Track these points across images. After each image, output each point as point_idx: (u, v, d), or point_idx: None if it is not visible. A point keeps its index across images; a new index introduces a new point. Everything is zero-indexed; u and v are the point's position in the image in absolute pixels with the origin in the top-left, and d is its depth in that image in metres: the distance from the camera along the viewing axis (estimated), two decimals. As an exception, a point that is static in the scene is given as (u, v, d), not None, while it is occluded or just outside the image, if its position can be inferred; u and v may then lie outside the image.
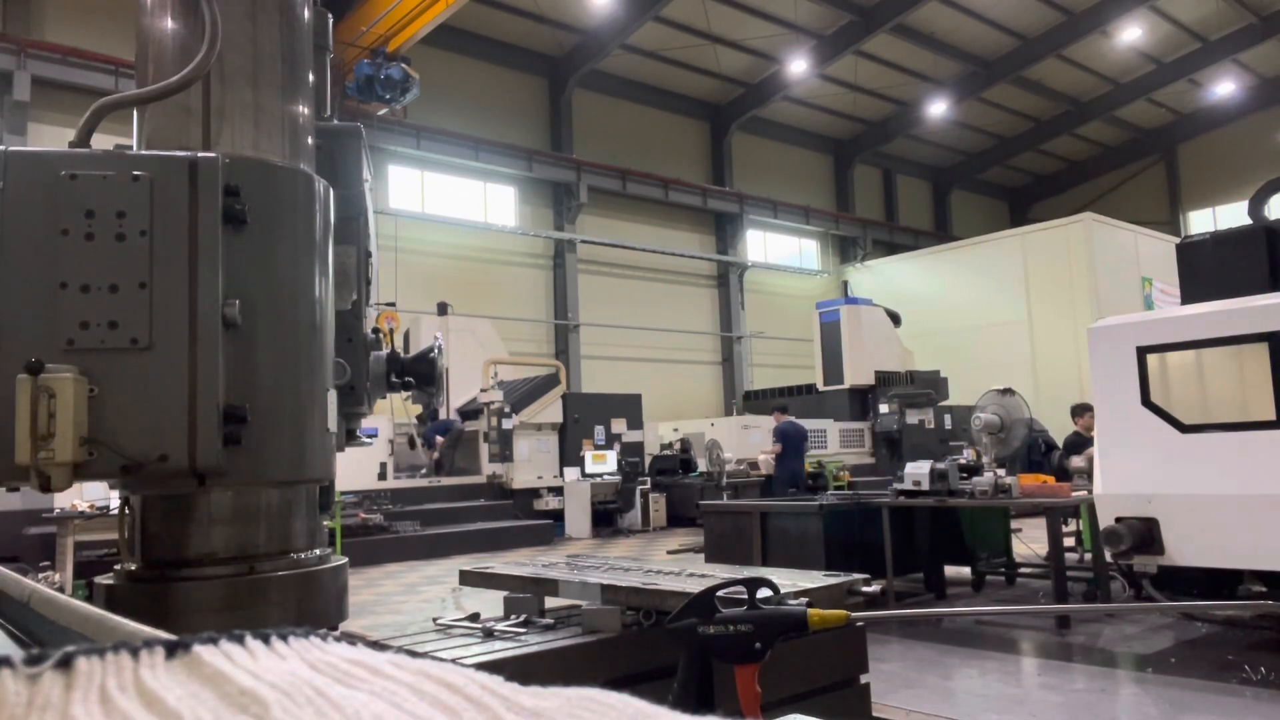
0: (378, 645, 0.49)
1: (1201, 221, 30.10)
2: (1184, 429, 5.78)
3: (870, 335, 20.29)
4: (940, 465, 7.54)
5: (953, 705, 4.90)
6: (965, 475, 7.51)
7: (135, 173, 2.08)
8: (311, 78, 2.67)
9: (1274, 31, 25.50)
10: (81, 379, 1.99)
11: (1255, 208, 6.94)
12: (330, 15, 3.00)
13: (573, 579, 3.46)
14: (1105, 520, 5.98)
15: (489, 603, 3.98)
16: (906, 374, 20.59)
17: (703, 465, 16.59)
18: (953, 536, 8.26)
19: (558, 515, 15.02)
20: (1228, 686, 4.97)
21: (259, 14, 2.46)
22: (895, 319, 21.21)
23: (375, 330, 3.01)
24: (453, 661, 0.42)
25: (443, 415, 15.81)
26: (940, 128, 28.31)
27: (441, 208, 20.60)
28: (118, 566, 2.46)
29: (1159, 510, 5.77)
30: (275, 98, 2.48)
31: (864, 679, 3.65)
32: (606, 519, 15.54)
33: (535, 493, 15.43)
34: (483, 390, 15.75)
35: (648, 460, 17.09)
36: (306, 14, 2.65)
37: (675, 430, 18.89)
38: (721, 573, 3.48)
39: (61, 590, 4.56)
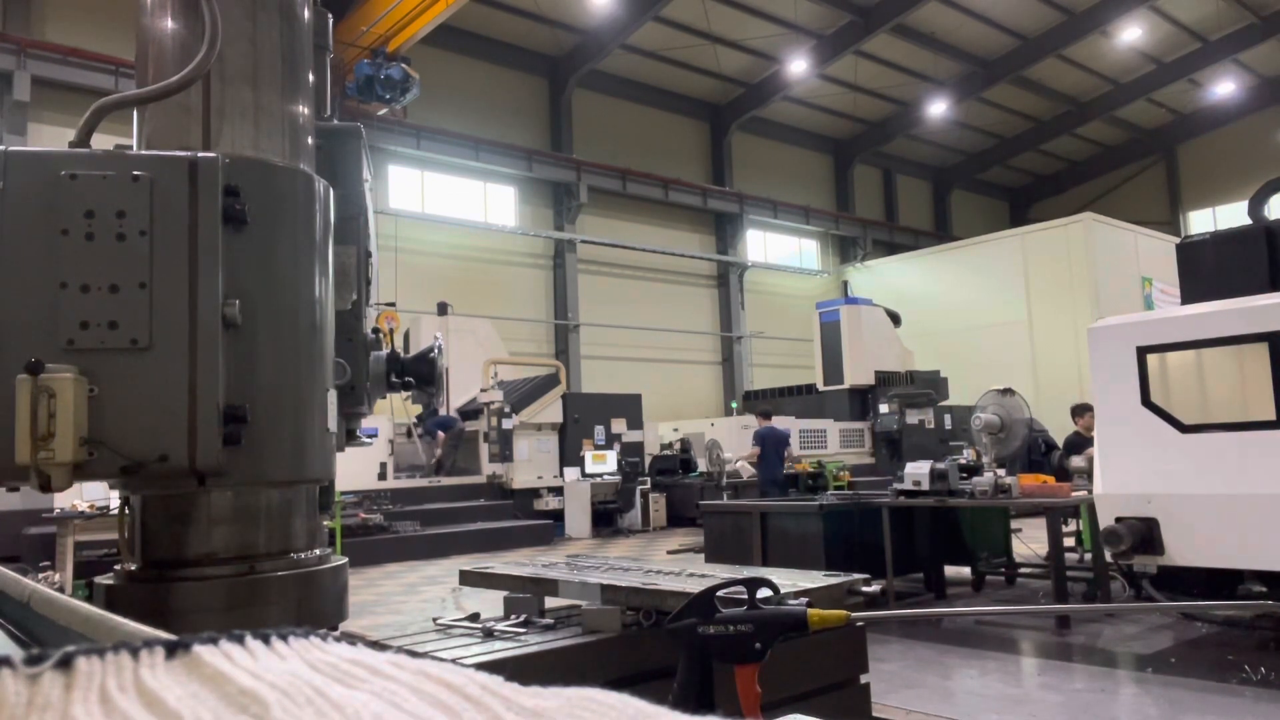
0: (378, 645, 0.49)
1: (1201, 221, 30.10)
2: (1184, 429, 5.78)
3: (870, 335, 20.29)
4: (940, 465, 7.54)
5: (953, 705, 4.90)
6: (965, 475, 7.51)
7: (135, 173, 2.08)
8: (311, 78, 2.67)
9: (1274, 31, 25.50)
10: (81, 379, 1.99)
11: (1255, 208, 6.94)
12: (330, 15, 3.00)
13: (573, 579, 3.46)
14: (1105, 520, 5.98)
15: (489, 603, 3.98)
16: (906, 374, 20.59)
17: (703, 465, 16.60)
18: (953, 536, 8.26)
19: (558, 515, 15.02)
20: (1228, 686, 4.97)
21: (259, 14, 2.46)
22: (895, 319, 21.21)
23: (375, 330, 3.01)
24: (453, 661, 0.42)
25: (443, 414, 15.81)
26: (940, 128, 28.31)
27: (441, 208, 20.60)
28: (118, 566, 2.46)
29: (1159, 510, 5.77)
30: (275, 98, 2.48)
31: (864, 679, 3.65)
32: (606, 519, 15.53)
33: (535, 493, 15.43)
34: (483, 390, 15.75)
35: (648, 460, 17.08)
36: (306, 14, 2.65)
37: (675, 430, 18.89)
38: (721, 573, 3.48)
39: (61, 590, 4.56)
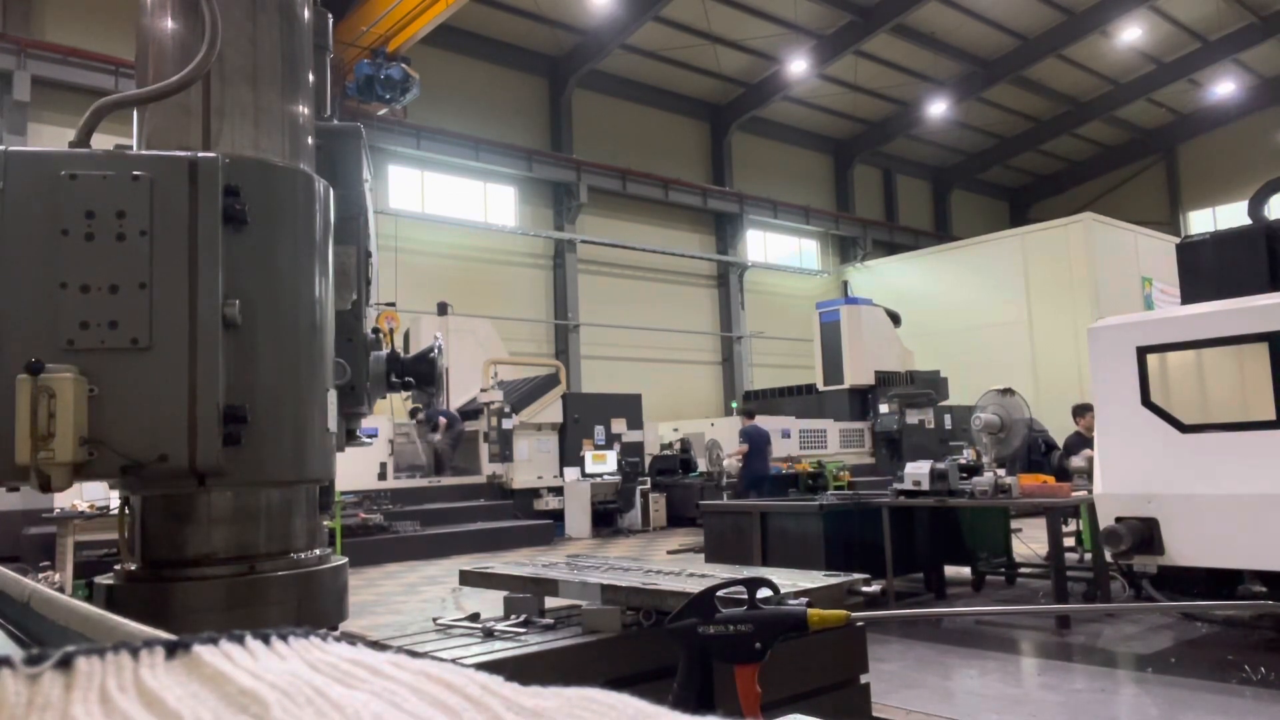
0: (378, 645, 0.49)
1: (1201, 221, 30.09)
2: (1184, 429, 5.78)
3: (870, 335, 20.29)
4: (940, 465, 7.53)
5: (953, 705, 4.90)
6: (965, 475, 7.50)
7: (135, 173, 2.08)
8: (311, 78, 2.67)
9: (1274, 31, 25.50)
10: (81, 379, 1.99)
11: (1255, 208, 6.94)
12: (330, 15, 3.00)
13: (573, 579, 3.46)
14: (1105, 520, 5.98)
15: (489, 603, 3.98)
16: (906, 374, 20.59)
17: (703, 465, 16.60)
18: (953, 536, 8.26)
19: (558, 515, 15.02)
20: (1228, 686, 4.97)
21: (259, 14, 2.46)
22: (895, 319, 21.21)
23: (375, 330, 3.01)
24: (453, 661, 0.42)
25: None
26: (940, 128, 28.31)
27: (441, 208, 20.60)
28: (118, 566, 2.46)
29: (1159, 510, 5.77)
30: (275, 98, 2.48)
31: (864, 679, 3.65)
32: (606, 519, 15.53)
33: (535, 493, 15.43)
34: (483, 390, 15.75)
35: (648, 460, 17.08)
36: (306, 14, 2.65)
37: (675, 430, 18.88)
38: (721, 573, 3.48)
39: (61, 590, 4.56)
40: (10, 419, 1.93)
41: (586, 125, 23.19)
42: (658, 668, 3.08)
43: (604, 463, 15.71)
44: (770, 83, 24.60)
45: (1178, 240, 7.38)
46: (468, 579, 3.96)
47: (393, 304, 15.15)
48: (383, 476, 14.24)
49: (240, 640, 0.40)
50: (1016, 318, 22.23)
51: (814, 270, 28.08)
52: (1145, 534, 5.76)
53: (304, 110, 2.59)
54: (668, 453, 17.89)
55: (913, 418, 19.07)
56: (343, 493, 11.73)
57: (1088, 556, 7.89)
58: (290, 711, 0.35)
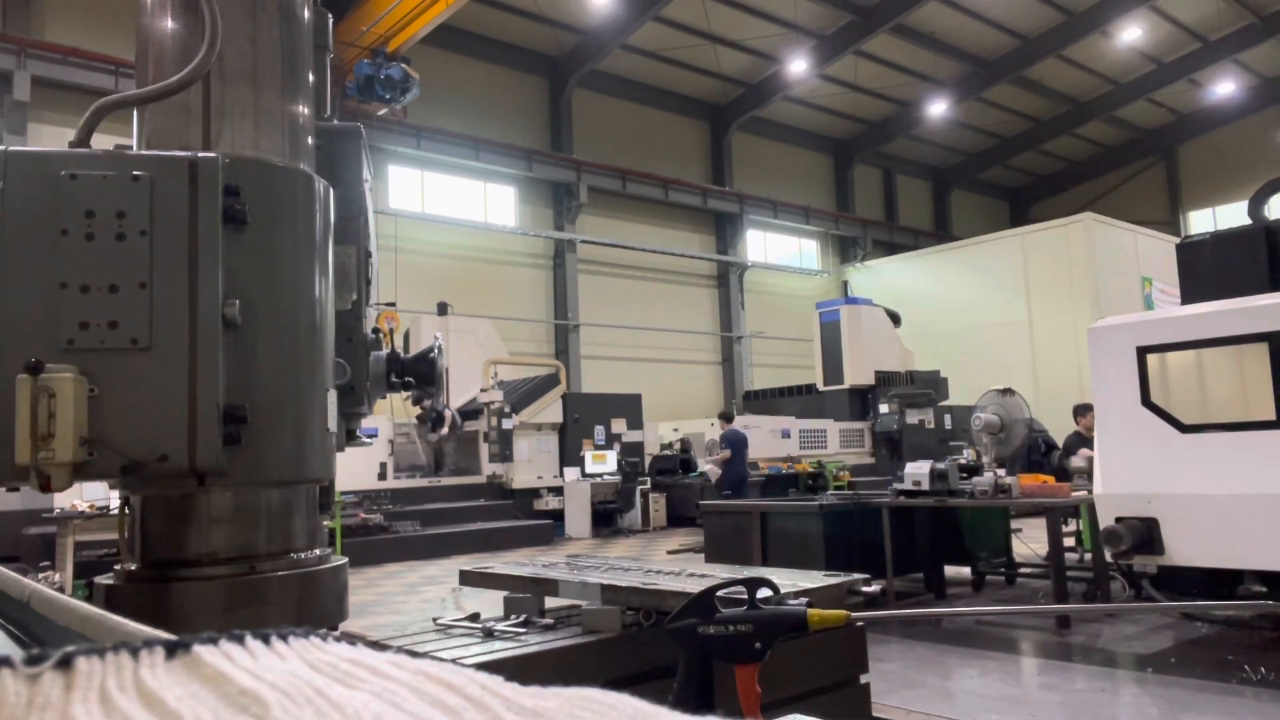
0: (378, 645, 0.49)
1: (1201, 221, 30.09)
2: (1184, 429, 5.78)
3: (870, 335, 20.29)
4: (940, 465, 7.53)
5: (953, 705, 4.90)
6: (965, 475, 7.50)
7: (135, 173, 2.08)
8: (311, 78, 2.67)
9: (1274, 31, 25.50)
10: (81, 379, 1.99)
11: (1255, 208, 6.94)
12: (330, 15, 3.00)
13: (573, 579, 3.46)
14: (1105, 520, 5.98)
15: (489, 603, 3.98)
16: (906, 374, 20.59)
17: (702, 465, 16.60)
18: (953, 536, 8.26)
19: (558, 515, 15.02)
20: (1228, 686, 4.97)
21: (259, 14, 2.46)
22: (895, 319, 21.21)
23: (375, 330, 3.01)
24: (453, 661, 0.42)
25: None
26: (940, 128, 28.31)
27: (441, 208, 20.60)
28: (118, 566, 2.46)
29: (1159, 510, 5.77)
30: (275, 98, 2.48)
31: (864, 679, 3.65)
32: (606, 519, 15.53)
33: (535, 493, 15.43)
34: (483, 390, 15.75)
35: (648, 460, 17.08)
36: (306, 14, 2.65)
37: (675, 430, 18.88)
38: (721, 573, 3.48)
39: (61, 590, 4.56)
40: (10, 419, 1.92)
41: (586, 125, 23.19)
42: (658, 668, 3.08)
43: (604, 463, 15.71)
44: (770, 83, 24.60)
45: (1178, 240, 7.37)
46: (468, 579, 3.96)
47: (393, 304, 15.14)
48: (383, 476, 14.24)
49: (240, 640, 0.40)
50: (1016, 318, 22.22)
51: (814, 270, 28.08)
52: (1145, 534, 5.76)
53: (304, 110, 2.59)
54: (668, 453, 17.89)
55: (913, 418, 19.07)
56: (343, 493, 11.74)
57: (1088, 556, 7.89)
58: (290, 711, 0.35)
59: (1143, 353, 6.00)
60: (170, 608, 2.24)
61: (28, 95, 14.92)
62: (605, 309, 22.49)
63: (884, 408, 19.36)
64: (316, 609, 2.43)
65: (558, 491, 15.34)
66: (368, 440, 3.68)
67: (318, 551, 2.54)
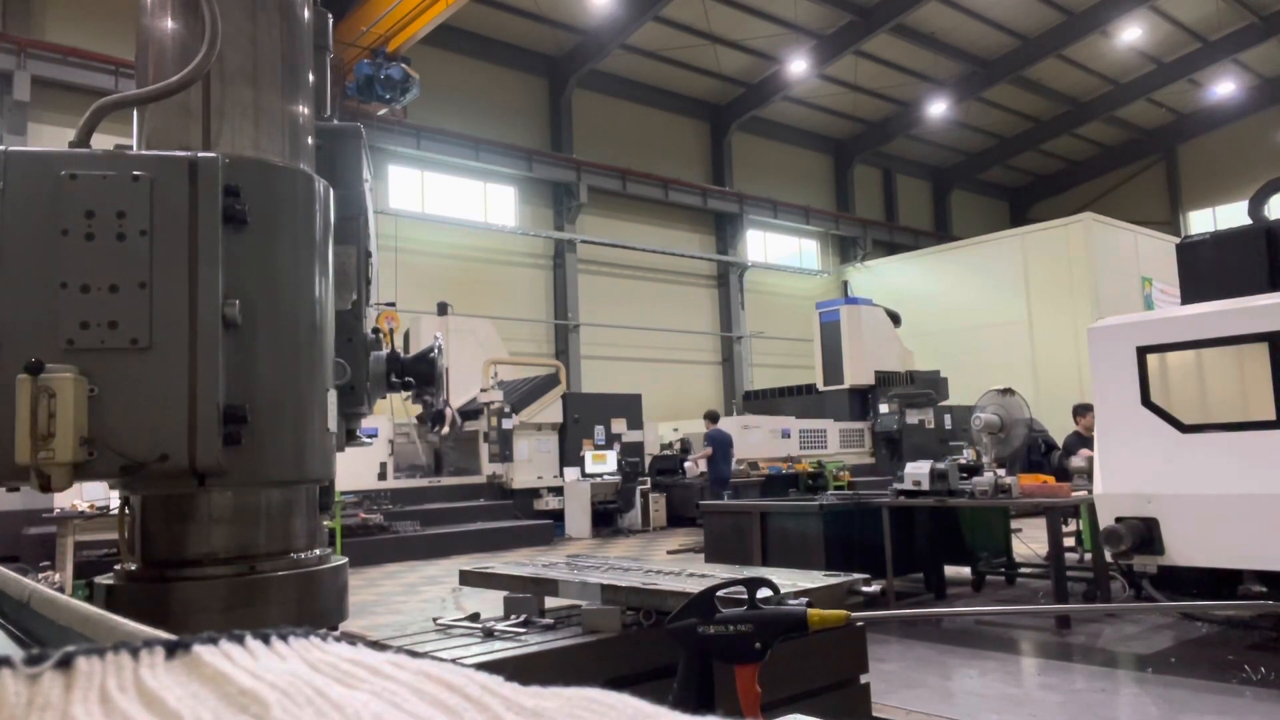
0: (378, 645, 0.49)
1: (1201, 221, 30.08)
2: (1184, 429, 5.78)
3: (870, 335, 20.29)
4: (940, 465, 7.53)
5: (953, 705, 4.90)
6: (965, 475, 7.50)
7: (135, 173, 2.08)
8: (311, 78, 2.67)
9: (1274, 31, 25.50)
10: (81, 379, 1.99)
11: (1255, 208, 6.94)
12: (330, 15, 3.00)
13: (573, 579, 3.46)
14: (1105, 520, 5.98)
15: (489, 603, 3.98)
16: (906, 374, 20.59)
17: (702, 465, 16.59)
18: (953, 536, 8.26)
19: (558, 515, 15.02)
20: (1228, 686, 4.97)
21: (259, 14, 2.46)
22: (895, 319, 21.21)
23: (375, 330, 3.00)
24: (453, 661, 0.42)
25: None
26: (940, 128, 28.31)
27: (441, 208, 20.60)
28: (118, 566, 2.46)
29: (1159, 510, 5.77)
30: (275, 98, 2.48)
31: (864, 679, 3.65)
32: (606, 519, 15.53)
33: (535, 493, 15.43)
34: (483, 390, 15.75)
35: (648, 460, 17.09)
36: (306, 14, 2.65)
37: (675, 430, 18.88)
38: (721, 573, 3.48)
39: (61, 590, 4.56)
40: (10, 419, 1.92)
41: (586, 125, 23.19)
42: (658, 668, 3.08)
43: (604, 463, 15.71)
44: (770, 83, 24.60)
45: (1178, 240, 7.37)
46: (468, 579, 3.96)
47: (393, 304, 15.13)
48: (383, 476, 14.24)
49: (240, 640, 0.40)
50: (1016, 318, 22.22)
51: (814, 270, 28.08)
52: (1145, 534, 5.76)
53: (304, 110, 2.59)
54: (668, 453, 17.89)
55: (913, 418, 19.07)
56: (343, 493, 11.74)
57: (1088, 556, 7.89)
58: (290, 711, 0.35)
59: (1143, 353, 6.00)
60: (170, 608, 2.24)
61: (28, 95, 14.92)
62: (605, 309, 22.49)
63: (884, 408, 19.36)
64: (316, 609, 2.43)
65: (558, 491, 15.34)
66: (368, 440, 3.68)
67: (318, 551, 2.54)
